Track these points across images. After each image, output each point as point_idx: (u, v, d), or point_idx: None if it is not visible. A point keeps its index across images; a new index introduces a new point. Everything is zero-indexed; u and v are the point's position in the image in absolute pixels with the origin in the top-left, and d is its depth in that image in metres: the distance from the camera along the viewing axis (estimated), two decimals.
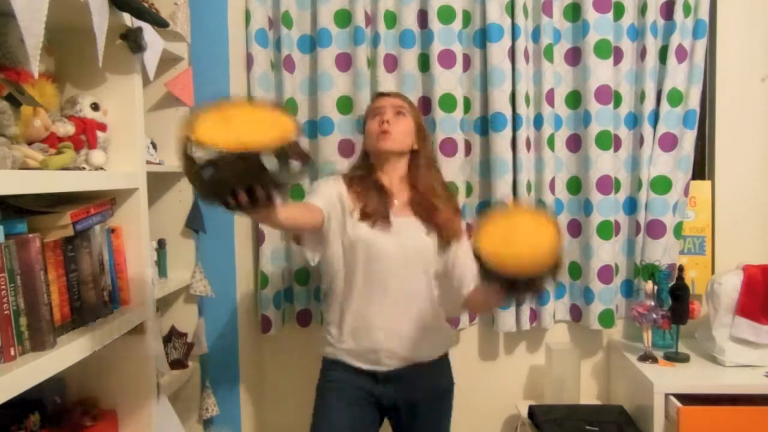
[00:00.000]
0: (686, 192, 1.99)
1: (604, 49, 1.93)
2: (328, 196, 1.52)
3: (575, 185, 2.03)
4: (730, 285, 1.81)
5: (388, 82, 1.97)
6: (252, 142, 0.92)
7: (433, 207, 1.54)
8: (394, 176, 1.59)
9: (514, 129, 1.95)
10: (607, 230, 1.95)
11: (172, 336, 1.97)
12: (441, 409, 1.61)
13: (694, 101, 1.94)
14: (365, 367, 1.53)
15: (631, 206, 2.02)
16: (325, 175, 1.87)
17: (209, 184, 0.95)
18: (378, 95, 1.69)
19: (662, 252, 1.95)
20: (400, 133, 1.56)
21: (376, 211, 1.50)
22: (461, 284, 1.53)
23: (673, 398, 1.65)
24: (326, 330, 1.59)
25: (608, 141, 1.94)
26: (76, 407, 1.40)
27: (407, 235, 1.51)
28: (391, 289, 1.49)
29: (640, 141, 1.98)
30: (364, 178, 1.58)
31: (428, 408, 1.58)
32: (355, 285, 1.51)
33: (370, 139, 1.59)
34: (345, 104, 1.98)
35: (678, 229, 1.98)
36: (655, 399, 1.67)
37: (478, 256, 1.16)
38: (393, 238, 1.49)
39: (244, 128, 0.94)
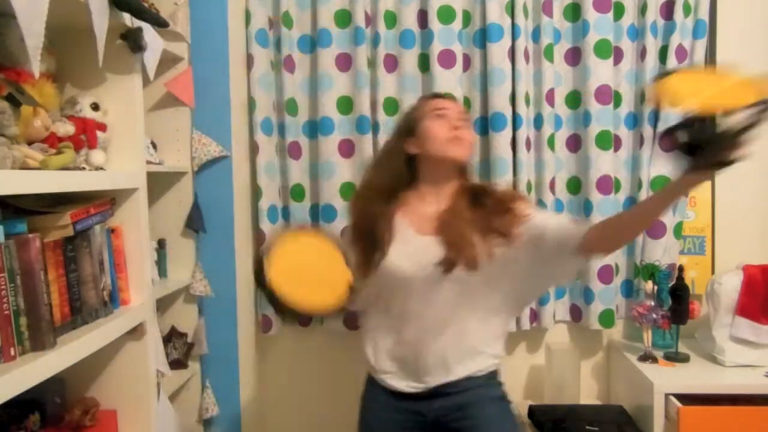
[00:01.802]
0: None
1: (604, 49, 1.93)
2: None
3: (575, 185, 2.03)
4: (730, 285, 1.81)
5: (388, 83, 1.97)
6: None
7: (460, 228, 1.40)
8: (443, 191, 1.46)
9: (514, 129, 1.95)
10: None
11: (172, 336, 1.97)
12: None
13: None
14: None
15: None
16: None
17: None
18: (436, 96, 1.54)
19: (662, 252, 1.95)
20: (471, 143, 1.47)
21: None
22: (567, 239, 1.32)
23: (673, 398, 1.65)
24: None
25: (608, 141, 1.94)
26: (76, 407, 1.40)
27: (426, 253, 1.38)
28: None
29: (640, 141, 1.98)
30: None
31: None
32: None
33: (436, 143, 1.41)
34: (345, 104, 1.98)
35: (678, 229, 1.98)
36: (655, 399, 1.67)
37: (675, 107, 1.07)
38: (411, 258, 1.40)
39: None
